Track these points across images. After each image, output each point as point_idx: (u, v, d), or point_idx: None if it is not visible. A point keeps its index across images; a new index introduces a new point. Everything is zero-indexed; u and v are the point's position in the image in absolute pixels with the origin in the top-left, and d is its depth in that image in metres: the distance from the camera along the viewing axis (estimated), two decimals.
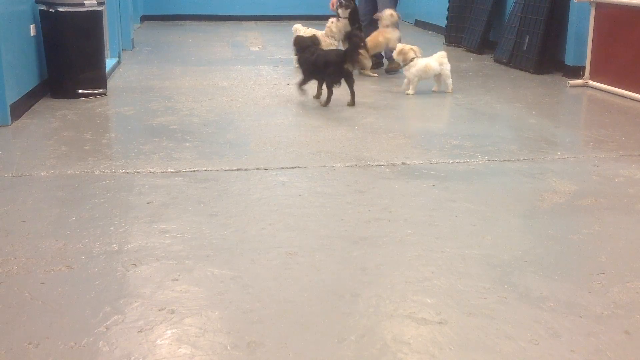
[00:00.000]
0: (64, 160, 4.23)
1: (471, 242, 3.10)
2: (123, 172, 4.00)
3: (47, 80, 5.98)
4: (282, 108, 5.79)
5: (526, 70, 7.60)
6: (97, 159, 4.24)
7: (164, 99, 6.04)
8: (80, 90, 5.91)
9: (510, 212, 3.48)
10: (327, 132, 4.99)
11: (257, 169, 4.10)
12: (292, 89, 5.92)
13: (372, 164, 4.23)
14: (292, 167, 4.14)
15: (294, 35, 7.24)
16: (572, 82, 6.81)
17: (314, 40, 6.11)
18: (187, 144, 4.61)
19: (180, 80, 6.96)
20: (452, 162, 4.29)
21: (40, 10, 5.77)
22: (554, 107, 6.15)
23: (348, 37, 6.37)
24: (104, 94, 6.11)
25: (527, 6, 7.71)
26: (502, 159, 4.38)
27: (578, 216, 3.47)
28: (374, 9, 7.48)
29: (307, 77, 6.02)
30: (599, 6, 6.63)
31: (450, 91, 6.43)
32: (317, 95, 6.04)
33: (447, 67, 6.39)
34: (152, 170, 4.05)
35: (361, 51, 5.98)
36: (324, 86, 5.91)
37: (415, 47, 6.43)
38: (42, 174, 3.97)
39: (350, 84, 5.87)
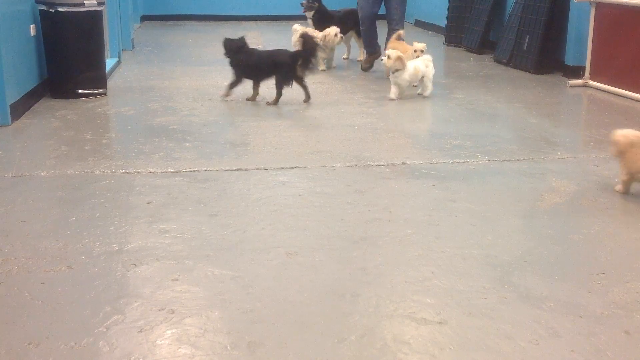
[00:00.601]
0: (64, 160, 4.23)
1: (471, 242, 3.09)
2: (123, 172, 4.00)
3: (47, 80, 5.98)
4: (282, 108, 5.78)
5: (526, 70, 7.59)
6: (97, 159, 4.24)
7: (164, 99, 6.04)
8: (80, 90, 5.91)
9: (510, 212, 3.48)
10: (327, 132, 4.99)
11: (257, 169, 4.10)
12: (292, 89, 5.90)
13: (372, 164, 4.23)
14: (292, 167, 4.14)
15: (293, 35, 7.25)
16: (572, 82, 6.81)
17: (244, 42, 5.93)
18: (187, 144, 4.61)
19: (180, 80, 6.95)
20: (452, 162, 4.29)
21: (40, 10, 5.77)
22: (554, 107, 6.15)
23: (302, 40, 6.07)
24: (104, 94, 6.11)
25: (527, 6, 7.70)
26: (502, 159, 4.38)
27: (578, 216, 3.47)
28: (377, 11, 7.32)
29: (239, 78, 5.93)
30: (599, 6, 6.62)
31: (428, 95, 6.17)
32: (253, 97, 5.93)
33: (432, 70, 6.19)
34: (152, 170, 4.05)
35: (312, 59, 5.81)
36: (274, 87, 5.78)
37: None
38: (42, 174, 3.97)
39: (301, 82, 5.81)
